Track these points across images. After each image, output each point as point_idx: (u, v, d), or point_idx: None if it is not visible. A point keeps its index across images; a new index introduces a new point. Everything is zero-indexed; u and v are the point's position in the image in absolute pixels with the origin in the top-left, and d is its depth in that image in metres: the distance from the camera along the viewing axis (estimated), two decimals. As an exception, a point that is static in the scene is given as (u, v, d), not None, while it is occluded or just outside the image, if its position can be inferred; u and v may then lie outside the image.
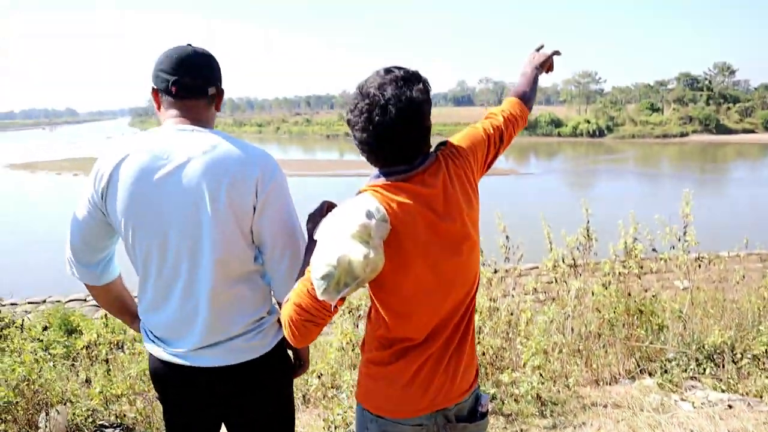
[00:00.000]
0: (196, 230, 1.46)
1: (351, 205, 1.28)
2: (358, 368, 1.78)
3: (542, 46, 1.91)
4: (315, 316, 1.31)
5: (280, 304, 1.61)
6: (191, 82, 1.52)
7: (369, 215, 1.23)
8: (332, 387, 3.36)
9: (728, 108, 67.64)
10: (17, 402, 3.01)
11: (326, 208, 1.42)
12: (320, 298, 1.26)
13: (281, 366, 1.70)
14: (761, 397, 3.30)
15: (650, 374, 3.70)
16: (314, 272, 1.25)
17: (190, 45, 1.57)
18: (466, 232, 1.40)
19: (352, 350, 3.58)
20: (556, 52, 1.91)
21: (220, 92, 1.60)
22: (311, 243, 1.37)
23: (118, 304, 1.76)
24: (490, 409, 1.67)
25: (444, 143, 1.48)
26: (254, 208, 1.48)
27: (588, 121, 66.38)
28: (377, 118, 1.29)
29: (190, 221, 1.46)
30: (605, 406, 3.28)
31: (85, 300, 11.96)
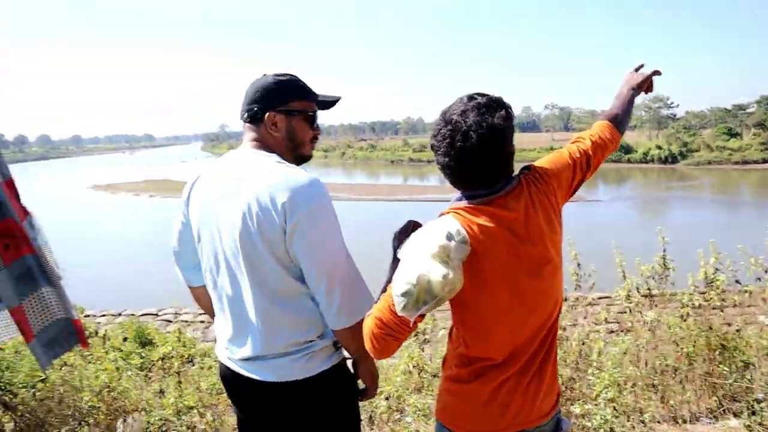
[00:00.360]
0: (235, 249, 1.54)
1: (433, 226, 1.31)
2: (435, 387, 1.77)
3: (642, 66, 1.84)
4: (395, 330, 1.33)
5: (335, 331, 1.59)
6: (241, 112, 1.66)
7: (449, 237, 1.26)
8: (397, 410, 3.34)
9: (816, 133, 63.15)
10: (99, 407, 3.18)
11: (412, 227, 1.43)
12: (400, 314, 1.28)
13: (336, 389, 1.68)
14: None
15: (735, 415, 3.46)
16: (395, 289, 1.28)
17: (265, 74, 1.66)
18: (548, 255, 1.39)
19: (418, 374, 3.55)
20: (656, 72, 1.82)
21: (256, 114, 1.60)
22: (395, 260, 1.39)
23: (211, 307, 1.83)
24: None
25: (528, 167, 1.49)
26: (285, 233, 1.48)
27: (659, 147, 63.31)
28: (459, 143, 1.33)
29: (231, 241, 1.54)
30: (685, 446, 3.09)
31: (156, 314, 12.49)
